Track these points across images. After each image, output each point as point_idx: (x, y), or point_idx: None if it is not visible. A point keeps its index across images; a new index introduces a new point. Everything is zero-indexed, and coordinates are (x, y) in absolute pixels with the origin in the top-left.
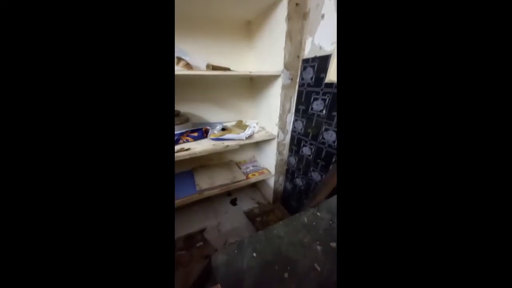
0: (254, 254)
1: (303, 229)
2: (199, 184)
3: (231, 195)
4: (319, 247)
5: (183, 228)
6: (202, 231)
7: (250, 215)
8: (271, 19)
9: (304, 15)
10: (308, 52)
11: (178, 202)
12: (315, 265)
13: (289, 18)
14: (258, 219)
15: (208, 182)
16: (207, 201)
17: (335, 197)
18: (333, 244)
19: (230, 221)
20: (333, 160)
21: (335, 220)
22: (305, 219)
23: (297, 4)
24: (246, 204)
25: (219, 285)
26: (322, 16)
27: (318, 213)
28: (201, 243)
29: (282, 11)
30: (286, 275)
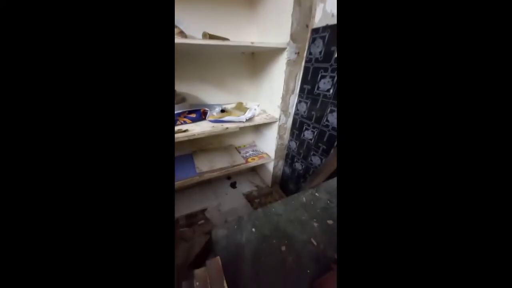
0: (253, 230)
1: (301, 207)
2: (199, 167)
3: (230, 178)
4: (316, 224)
5: (184, 208)
6: (203, 210)
7: (249, 197)
8: None
9: None
10: (318, 20)
11: (178, 183)
12: (312, 239)
13: None
14: (257, 201)
15: (208, 165)
16: (207, 184)
17: (334, 179)
18: (330, 222)
19: (230, 202)
20: (335, 143)
21: (333, 200)
22: (304, 199)
23: None
24: (245, 187)
25: (218, 257)
26: None
27: (316, 194)
28: (202, 221)
29: None
30: (283, 248)
